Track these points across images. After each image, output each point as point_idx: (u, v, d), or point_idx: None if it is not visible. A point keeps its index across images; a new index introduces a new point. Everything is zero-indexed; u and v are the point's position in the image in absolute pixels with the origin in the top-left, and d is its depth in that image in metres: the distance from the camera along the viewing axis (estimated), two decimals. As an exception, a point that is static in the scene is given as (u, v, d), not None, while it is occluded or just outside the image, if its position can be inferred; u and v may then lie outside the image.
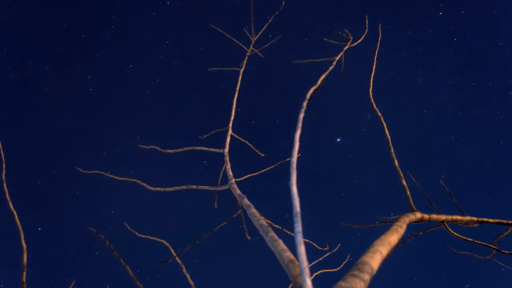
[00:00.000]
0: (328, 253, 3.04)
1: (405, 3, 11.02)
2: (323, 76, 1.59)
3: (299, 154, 2.67)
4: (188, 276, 2.65)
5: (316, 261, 2.95)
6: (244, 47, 3.39)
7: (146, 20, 11.13)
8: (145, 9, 10.96)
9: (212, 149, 2.74)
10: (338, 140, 11.78)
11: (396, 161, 2.29)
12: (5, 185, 2.11)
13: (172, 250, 2.80)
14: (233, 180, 2.17)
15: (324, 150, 11.98)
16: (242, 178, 2.47)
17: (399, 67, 11.06)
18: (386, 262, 1.27)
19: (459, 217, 2.16)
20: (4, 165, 2.16)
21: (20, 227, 1.99)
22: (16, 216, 2.01)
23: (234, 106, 2.93)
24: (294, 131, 0.96)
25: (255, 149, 3.07)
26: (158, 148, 2.95)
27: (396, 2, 11.06)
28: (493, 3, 10.35)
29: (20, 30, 10.67)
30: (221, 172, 2.71)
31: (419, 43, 10.81)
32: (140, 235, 2.91)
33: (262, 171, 2.81)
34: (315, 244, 2.88)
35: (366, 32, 2.78)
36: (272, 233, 1.34)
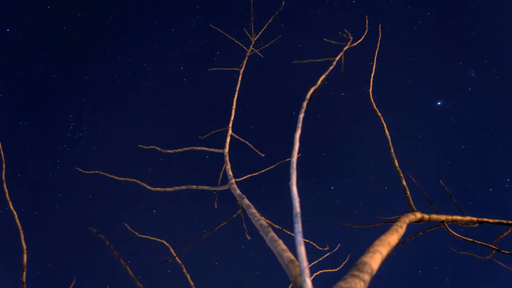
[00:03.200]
0: (328, 253, 3.04)
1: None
2: (323, 76, 1.59)
3: (299, 154, 2.67)
4: (188, 276, 2.65)
5: (316, 261, 2.95)
6: (244, 47, 3.39)
7: (145, 20, 11.14)
8: (144, 9, 10.96)
9: (212, 149, 2.73)
10: (439, 103, 10.29)
11: (396, 161, 2.29)
12: (5, 185, 2.11)
13: (172, 250, 2.80)
14: (233, 180, 2.16)
15: (423, 115, 10.25)
16: (242, 178, 2.47)
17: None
18: (387, 262, 1.27)
19: (459, 217, 2.16)
20: (4, 165, 2.16)
21: (20, 227, 1.99)
22: (16, 216, 2.01)
23: (234, 106, 2.93)
24: (294, 131, 0.96)
25: (255, 149, 3.06)
26: (158, 148, 2.95)
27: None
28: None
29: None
30: (221, 172, 2.71)
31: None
32: (140, 235, 2.91)
33: (262, 171, 2.81)
34: (315, 244, 2.88)
35: (366, 32, 2.78)
36: (272, 233, 1.34)
